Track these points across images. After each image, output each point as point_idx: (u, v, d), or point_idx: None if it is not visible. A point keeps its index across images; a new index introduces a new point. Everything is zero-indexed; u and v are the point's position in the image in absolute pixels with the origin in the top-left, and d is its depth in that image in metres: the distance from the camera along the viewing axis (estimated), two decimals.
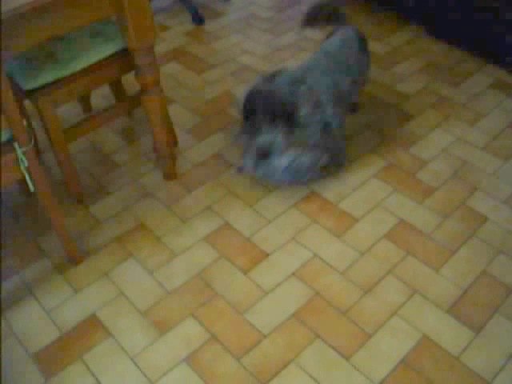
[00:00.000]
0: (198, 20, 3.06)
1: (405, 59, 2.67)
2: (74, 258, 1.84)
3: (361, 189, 2.04)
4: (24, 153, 1.52)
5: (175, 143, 2.27)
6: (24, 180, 1.97)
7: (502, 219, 1.88)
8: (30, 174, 1.57)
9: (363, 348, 1.57)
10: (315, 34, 2.91)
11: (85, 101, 2.45)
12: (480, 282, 1.71)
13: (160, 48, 2.89)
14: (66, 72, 1.78)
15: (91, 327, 1.67)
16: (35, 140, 2.19)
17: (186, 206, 2.03)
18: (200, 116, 2.43)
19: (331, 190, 2.04)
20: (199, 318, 1.67)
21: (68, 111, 2.48)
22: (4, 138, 1.52)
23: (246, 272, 1.79)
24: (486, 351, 1.53)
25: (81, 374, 1.56)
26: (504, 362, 1.50)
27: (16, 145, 1.50)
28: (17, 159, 1.53)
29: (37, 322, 1.70)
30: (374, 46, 2.77)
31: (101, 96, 2.57)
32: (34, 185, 1.60)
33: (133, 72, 1.93)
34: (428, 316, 1.63)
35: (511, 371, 1.48)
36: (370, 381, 1.49)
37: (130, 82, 2.57)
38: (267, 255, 1.84)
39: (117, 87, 2.30)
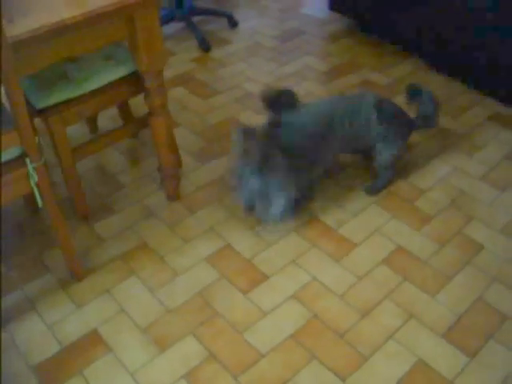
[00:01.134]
0: (205, 47, 3.14)
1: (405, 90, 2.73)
2: (77, 274, 1.87)
3: (360, 215, 2.08)
4: (35, 168, 1.57)
5: (179, 165, 2.32)
6: (29, 196, 2.03)
7: (498, 248, 1.92)
8: (39, 190, 1.61)
9: (359, 370, 1.59)
10: (318, 63, 2.99)
11: (92, 121, 2.51)
12: (475, 308, 1.74)
13: (167, 73, 2.97)
14: (77, 92, 1.84)
15: (92, 342, 1.70)
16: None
17: (189, 227, 2.07)
18: (204, 140, 2.49)
19: (331, 215, 2.08)
20: (199, 337, 1.70)
21: (75, 131, 2.54)
22: (16, 153, 1.57)
23: (245, 293, 1.83)
24: (481, 376, 1.55)
25: None
26: None
27: (27, 160, 1.55)
28: (27, 174, 1.58)
29: (38, 336, 1.72)
30: (375, 77, 2.84)
31: (107, 117, 2.63)
32: (42, 200, 1.64)
33: (139, 95, 1.99)
34: (423, 340, 1.66)
35: None
36: None
37: (136, 104, 2.63)
38: (267, 277, 1.87)
39: (124, 109, 2.36)
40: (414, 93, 2.19)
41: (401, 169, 2.26)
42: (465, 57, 2.62)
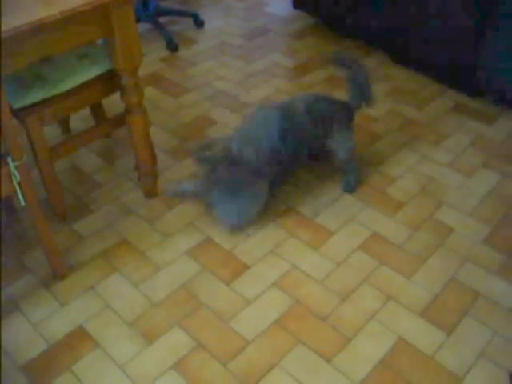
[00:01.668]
0: (173, 47, 3.17)
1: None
2: (59, 273, 1.88)
3: (335, 205, 2.15)
4: (16, 167, 1.57)
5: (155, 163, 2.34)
6: (9, 197, 2.02)
7: (468, 230, 2.01)
8: (21, 188, 1.62)
9: (343, 351, 1.65)
10: (286, 60, 3.05)
11: (64, 123, 2.51)
12: (449, 287, 1.82)
13: None
14: (53, 92, 1.85)
15: (79, 339, 1.71)
16: None
17: (168, 222, 2.09)
18: (177, 138, 2.52)
19: (307, 205, 2.14)
20: (185, 328, 1.73)
21: (48, 133, 2.53)
22: None
23: (228, 283, 1.86)
24: (458, 350, 1.63)
25: None
26: (475, 359, 1.61)
27: (9, 159, 1.56)
28: (9, 173, 1.59)
29: (24, 336, 1.72)
30: (341, 73, 2.91)
31: (79, 119, 2.63)
32: (24, 199, 1.64)
33: (111, 95, 2.01)
34: (402, 320, 1.73)
35: (482, 368, 1.59)
36: (351, 381, 1.57)
37: (109, 104, 2.64)
38: (248, 267, 1.92)
39: (97, 109, 2.37)
40: (339, 61, 2.21)
41: (370, 159, 2.34)
42: (427, 51, 2.72)
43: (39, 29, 1.51)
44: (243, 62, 3.06)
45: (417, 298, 1.79)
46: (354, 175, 2.20)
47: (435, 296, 1.80)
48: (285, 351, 1.66)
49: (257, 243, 2.00)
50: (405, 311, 1.75)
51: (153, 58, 3.13)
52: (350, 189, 2.20)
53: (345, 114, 2.13)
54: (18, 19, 1.49)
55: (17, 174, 1.59)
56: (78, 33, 1.65)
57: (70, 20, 1.57)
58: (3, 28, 1.45)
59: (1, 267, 1.91)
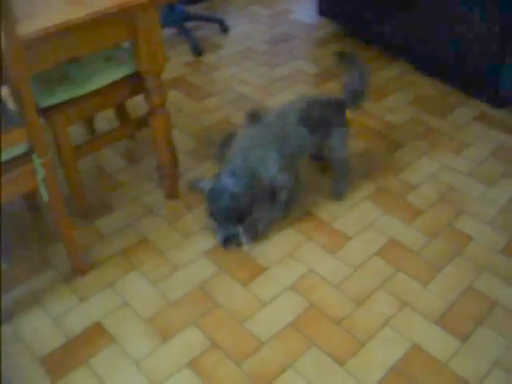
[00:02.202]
0: (197, 52, 3.22)
1: (393, 93, 2.83)
2: (80, 269, 1.92)
3: (353, 210, 2.15)
4: (41, 164, 1.62)
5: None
6: (29, 194, 2.07)
7: (486, 239, 2.00)
8: (45, 184, 1.66)
9: (357, 355, 1.66)
10: (309, 67, 3.07)
11: (89, 124, 2.56)
12: (466, 296, 1.81)
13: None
14: (79, 92, 1.90)
15: (96, 334, 1.75)
16: None
17: (188, 223, 2.12)
18: (199, 140, 2.55)
19: (325, 210, 2.15)
20: (201, 327, 1.75)
21: (72, 133, 2.58)
22: (23, 149, 1.62)
23: (244, 284, 1.88)
24: (473, 358, 1.63)
25: (86, 378, 1.63)
26: (489, 368, 1.60)
27: (34, 156, 1.60)
28: (33, 170, 1.63)
29: (44, 329, 1.77)
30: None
31: (103, 120, 2.68)
32: (48, 194, 1.69)
33: (135, 97, 2.05)
34: (417, 327, 1.73)
35: (496, 377, 1.58)
36: None
37: (133, 106, 2.68)
38: (265, 269, 1.94)
39: (121, 110, 2.42)
40: (343, 59, 2.18)
41: (390, 166, 2.34)
42: (451, 60, 2.71)
43: (66, 30, 1.55)
44: (267, 68, 3.09)
45: (432, 305, 1.79)
46: (343, 182, 2.21)
47: (451, 304, 1.79)
48: (298, 353, 1.67)
49: (274, 246, 2.02)
50: (420, 318, 1.75)
51: (178, 62, 3.18)
52: (339, 198, 2.19)
53: (339, 112, 2.11)
54: (46, 20, 1.54)
55: (41, 170, 1.63)
56: (104, 35, 1.69)
57: (96, 22, 1.61)
58: (31, 29, 1.50)
59: (1, 270, 1.97)
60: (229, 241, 1.99)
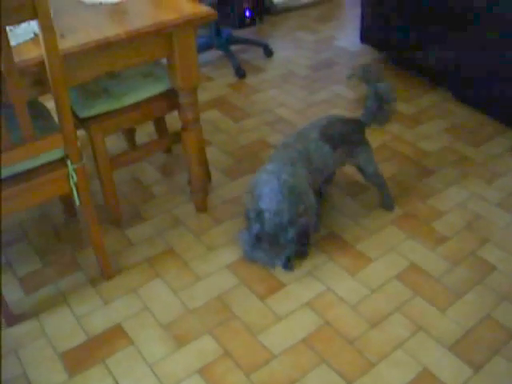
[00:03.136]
0: (240, 74, 3.32)
1: (430, 120, 2.83)
2: (106, 273, 2.01)
3: (378, 233, 2.17)
4: (75, 169, 1.72)
5: (209, 180, 2.45)
6: (68, 200, 2.19)
7: (510, 269, 1.97)
8: (77, 190, 1.76)
9: (366, 375, 1.66)
10: (348, 92, 3.12)
11: (130, 136, 2.68)
12: (483, 324, 1.79)
13: (203, 97, 3.14)
14: (117, 105, 2.01)
15: (116, 335, 1.82)
16: None
17: (214, 237, 2.19)
18: (234, 159, 2.63)
19: (349, 232, 2.18)
20: (215, 336, 1.80)
21: (115, 146, 2.71)
22: (58, 154, 1.73)
23: (262, 299, 1.92)
24: None
25: (102, 376, 1.70)
26: None
27: (68, 161, 1.71)
28: (67, 175, 1.74)
29: (67, 326, 1.86)
30: (401, 107, 2.95)
31: (145, 134, 2.80)
32: (79, 199, 1.79)
33: (175, 112, 2.15)
34: (430, 351, 1.72)
35: None
36: None
37: (172, 121, 2.80)
38: (284, 285, 1.97)
39: (160, 124, 2.53)
40: (364, 75, 2.15)
41: (420, 192, 2.35)
42: (490, 89, 2.70)
43: (105, 46, 1.66)
44: (306, 92, 3.15)
45: (448, 331, 1.78)
46: (387, 192, 2.25)
47: (467, 331, 1.77)
48: (307, 369, 1.69)
49: (295, 264, 2.05)
50: (433, 343, 1.74)
51: (221, 83, 3.29)
52: (388, 207, 2.26)
53: (358, 131, 2.14)
54: (86, 36, 1.65)
55: (75, 175, 1.73)
56: (141, 51, 1.79)
57: (133, 39, 1.71)
58: (72, 43, 1.62)
59: (1, 269, 2.07)
60: (290, 261, 2.01)
